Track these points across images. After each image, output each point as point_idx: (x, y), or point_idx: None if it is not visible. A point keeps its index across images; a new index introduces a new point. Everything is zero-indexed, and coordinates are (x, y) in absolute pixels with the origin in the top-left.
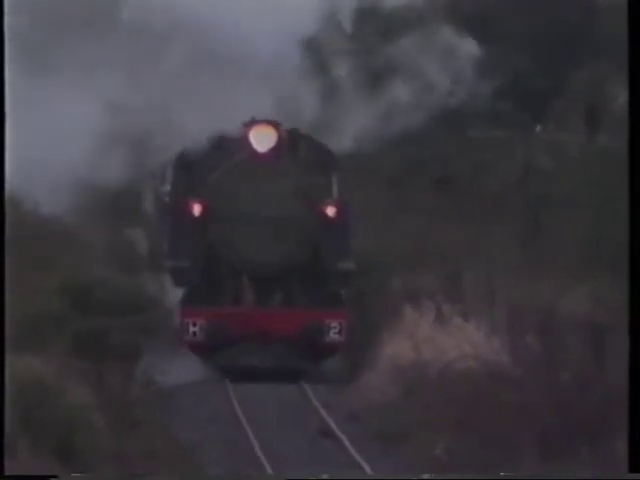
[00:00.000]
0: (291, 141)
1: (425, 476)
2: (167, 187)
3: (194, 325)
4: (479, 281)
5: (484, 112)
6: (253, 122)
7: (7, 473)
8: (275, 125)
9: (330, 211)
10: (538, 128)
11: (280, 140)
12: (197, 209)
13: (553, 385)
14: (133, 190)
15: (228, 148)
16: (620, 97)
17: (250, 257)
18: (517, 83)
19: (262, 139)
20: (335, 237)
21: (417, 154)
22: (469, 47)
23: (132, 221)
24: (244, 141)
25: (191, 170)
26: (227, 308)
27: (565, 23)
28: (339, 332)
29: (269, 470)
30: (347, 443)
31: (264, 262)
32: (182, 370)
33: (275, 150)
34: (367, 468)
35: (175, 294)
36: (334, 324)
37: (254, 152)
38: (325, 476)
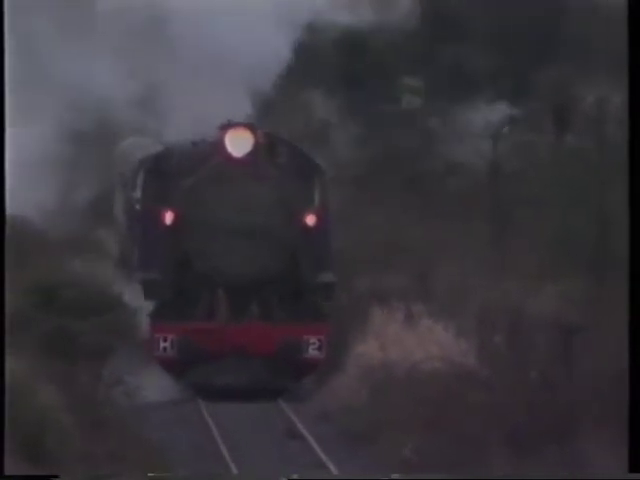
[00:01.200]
0: (269, 146)
1: (409, 476)
2: (138, 193)
3: (165, 340)
4: (448, 281)
5: (453, 112)
6: (229, 125)
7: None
8: (252, 128)
9: (310, 220)
10: (506, 128)
11: (257, 144)
12: (169, 217)
13: (521, 385)
14: (104, 190)
15: (203, 153)
16: (588, 97)
17: (225, 268)
18: (484, 83)
19: (238, 143)
20: (315, 247)
21: (385, 152)
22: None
23: (103, 221)
24: (219, 145)
25: (163, 175)
26: (200, 322)
27: (533, 23)
28: (319, 348)
29: (234, 470)
30: (314, 444)
31: (240, 274)
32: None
33: (252, 155)
34: (333, 469)
35: (146, 307)
36: (313, 340)
37: (230, 157)
38: (327, 476)
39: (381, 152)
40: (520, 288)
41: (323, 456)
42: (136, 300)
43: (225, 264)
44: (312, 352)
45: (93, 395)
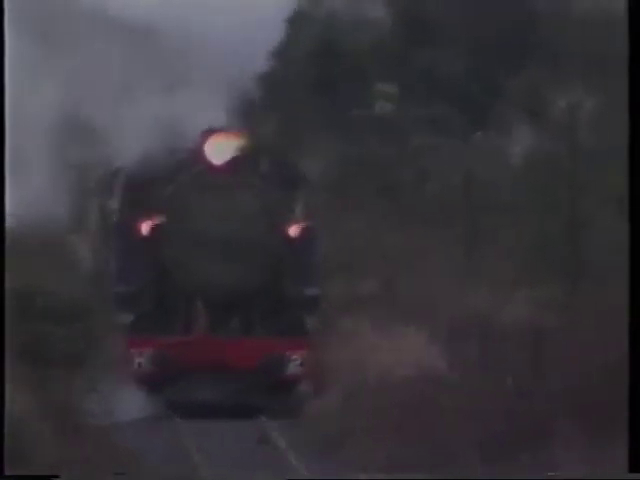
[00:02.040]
0: (252, 153)
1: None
2: (114, 202)
3: (140, 355)
4: (420, 287)
5: (425, 118)
6: (209, 131)
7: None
8: (235, 135)
9: (294, 231)
10: (478, 134)
11: (239, 152)
12: (146, 228)
13: (492, 390)
14: (77, 197)
15: (182, 160)
16: (560, 102)
17: (204, 280)
18: (457, 89)
19: (219, 150)
20: (299, 259)
21: (358, 160)
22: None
23: (75, 228)
24: (199, 152)
25: (140, 185)
26: (177, 337)
27: (505, 29)
28: (301, 364)
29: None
30: (286, 449)
31: (220, 286)
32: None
33: (233, 163)
34: (305, 473)
35: (121, 320)
36: (295, 356)
37: (210, 165)
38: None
39: (355, 158)
40: (492, 294)
41: (295, 462)
42: (111, 313)
43: (204, 276)
44: (294, 369)
45: (68, 401)
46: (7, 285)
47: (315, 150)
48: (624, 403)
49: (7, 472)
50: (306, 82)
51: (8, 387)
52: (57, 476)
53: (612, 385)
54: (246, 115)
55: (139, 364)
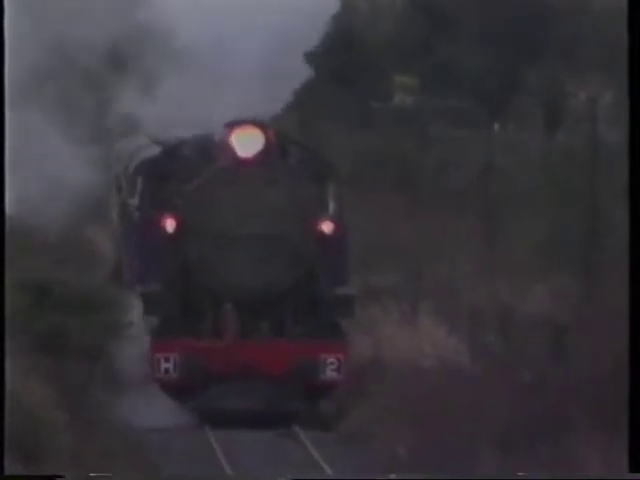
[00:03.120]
0: (281, 146)
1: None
2: (136, 198)
3: (167, 361)
4: (440, 279)
5: (444, 110)
6: (236, 123)
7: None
8: (262, 127)
9: (326, 227)
10: (496, 126)
11: (268, 144)
12: (171, 224)
13: (513, 383)
14: (97, 189)
15: (207, 154)
16: (578, 96)
17: (233, 281)
18: (476, 82)
19: (247, 143)
20: (332, 258)
21: (377, 151)
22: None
23: (94, 220)
24: (226, 145)
25: (164, 179)
26: (206, 341)
27: (524, 22)
28: (337, 369)
29: (228, 470)
30: (308, 443)
31: (249, 287)
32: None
33: (262, 156)
34: (327, 469)
35: (145, 323)
36: (331, 360)
37: (237, 158)
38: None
39: (374, 149)
40: (512, 286)
41: (316, 456)
42: (134, 315)
43: (233, 276)
44: (330, 373)
45: (86, 393)
46: (27, 276)
47: (335, 142)
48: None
49: (8, 468)
50: (326, 75)
51: (24, 379)
52: (57, 476)
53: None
54: (267, 108)
55: (166, 370)
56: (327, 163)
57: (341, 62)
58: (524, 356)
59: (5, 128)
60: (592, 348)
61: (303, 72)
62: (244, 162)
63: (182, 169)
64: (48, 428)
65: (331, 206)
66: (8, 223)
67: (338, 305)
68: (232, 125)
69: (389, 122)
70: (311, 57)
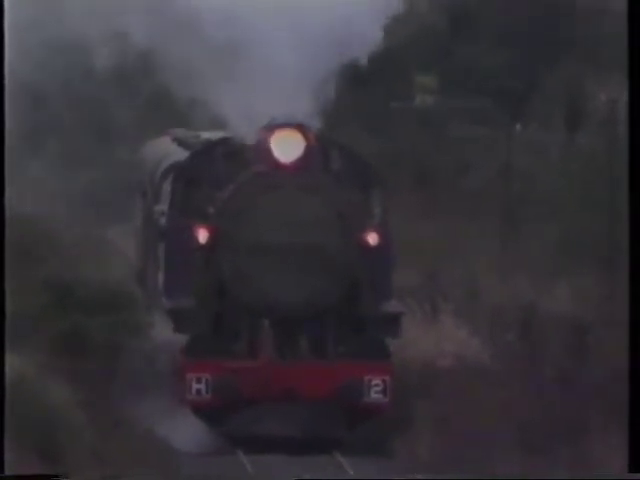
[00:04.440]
0: (322, 150)
1: (423, 476)
2: (164, 206)
3: (198, 382)
4: (461, 279)
5: (465, 110)
6: (275, 125)
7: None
8: (303, 130)
9: (372, 238)
10: (518, 127)
11: (309, 148)
12: (203, 235)
13: (535, 382)
14: (121, 189)
15: (243, 158)
16: (599, 97)
17: (270, 296)
18: (497, 82)
19: (286, 147)
20: (377, 271)
21: (396, 151)
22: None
23: (117, 221)
24: (264, 149)
25: (195, 184)
26: (240, 361)
27: (545, 22)
28: (383, 391)
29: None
30: (350, 471)
31: (288, 302)
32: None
33: (302, 161)
34: (350, 470)
35: (175, 341)
36: (376, 381)
37: (276, 163)
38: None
39: (393, 149)
40: (532, 286)
41: (340, 458)
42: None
43: (270, 291)
44: (374, 396)
45: (106, 393)
46: (48, 276)
47: (356, 143)
48: None
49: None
50: (345, 74)
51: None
52: (57, 476)
53: None
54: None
55: (198, 391)
56: (371, 168)
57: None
58: (546, 355)
59: (5, 128)
60: (614, 347)
61: (323, 72)
62: (283, 167)
63: (215, 174)
64: (68, 428)
65: (376, 214)
66: (28, 223)
67: (384, 323)
68: (271, 128)
69: (409, 122)
70: (329, 57)
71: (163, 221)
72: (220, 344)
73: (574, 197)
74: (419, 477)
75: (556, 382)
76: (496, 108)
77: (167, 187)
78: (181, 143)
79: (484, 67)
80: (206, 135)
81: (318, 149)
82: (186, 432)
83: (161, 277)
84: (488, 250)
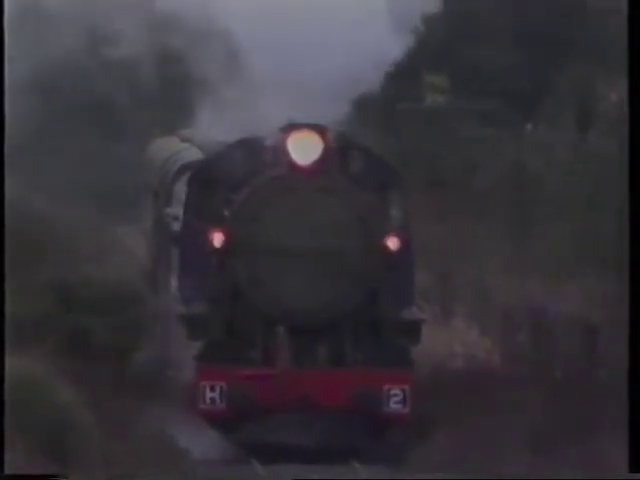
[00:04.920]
0: (341, 152)
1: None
2: (176, 209)
3: (212, 390)
4: (470, 280)
5: (475, 111)
6: (292, 126)
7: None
8: (321, 131)
9: (392, 243)
10: (529, 127)
11: (327, 150)
12: (218, 238)
13: (545, 383)
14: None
15: (260, 160)
16: (610, 97)
17: (287, 302)
18: (507, 82)
19: (304, 149)
20: (397, 276)
21: (406, 151)
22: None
23: (124, 220)
24: (280, 151)
25: (211, 187)
26: (256, 368)
27: (554, 22)
28: (402, 401)
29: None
30: None
31: (305, 308)
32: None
33: (320, 163)
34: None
35: (189, 348)
36: (396, 391)
37: (293, 165)
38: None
39: (402, 150)
40: (542, 286)
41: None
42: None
43: (287, 296)
44: (394, 406)
45: (113, 393)
46: (53, 277)
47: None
48: None
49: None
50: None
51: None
52: (57, 476)
53: None
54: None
55: (212, 400)
56: (392, 170)
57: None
58: (556, 355)
59: (5, 128)
60: (624, 349)
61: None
62: (300, 170)
63: (230, 176)
64: (76, 429)
65: (396, 217)
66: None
67: (404, 330)
68: (289, 129)
69: (419, 122)
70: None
71: (176, 224)
72: (235, 351)
73: (584, 197)
74: (419, 477)
75: (567, 382)
76: (506, 108)
77: (181, 189)
78: (193, 144)
79: (493, 67)
80: (219, 136)
81: (336, 150)
82: (199, 438)
83: (174, 281)
84: (499, 250)
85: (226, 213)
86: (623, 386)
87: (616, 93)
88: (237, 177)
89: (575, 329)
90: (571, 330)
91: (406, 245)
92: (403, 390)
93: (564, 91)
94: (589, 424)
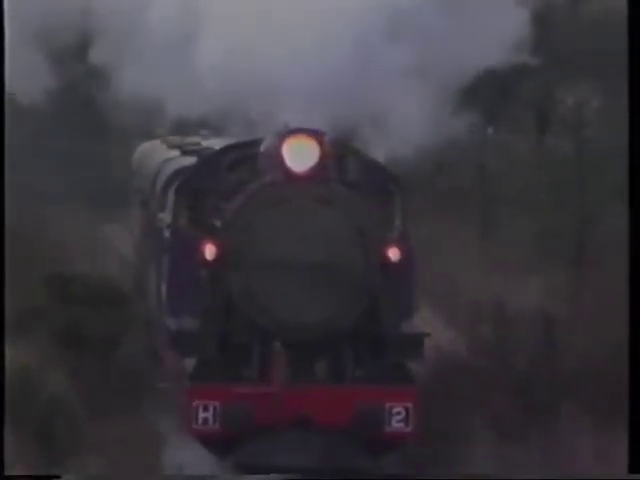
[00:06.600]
0: (339, 158)
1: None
2: (167, 217)
3: (205, 410)
4: (438, 275)
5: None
6: (287, 131)
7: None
8: (317, 136)
9: (393, 254)
10: (490, 130)
11: (324, 156)
12: (210, 250)
13: (507, 373)
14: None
15: (253, 167)
16: (567, 101)
17: (283, 316)
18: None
19: (300, 154)
20: (398, 288)
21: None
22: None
23: (113, 217)
24: (274, 157)
25: (201, 196)
26: (251, 386)
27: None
28: (404, 420)
29: None
30: None
31: (302, 323)
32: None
33: (316, 170)
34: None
35: (180, 366)
36: (398, 409)
37: (288, 173)
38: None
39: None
40: (505, 281)
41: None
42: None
43: (283, 311)
44: (396, 425)
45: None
46: (48, 271)
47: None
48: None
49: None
50: None
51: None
52: (57, 476)
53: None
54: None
55: (205, 420)
56: (392, 177)
57: None
58: (517, 347)
59: (5, 128)
60: (583, 342)
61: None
62: (296, 177)
63: (222, 184)
64: (67, 420)
65: (396, 227)
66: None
67: (406, 345)
68: (284, 134)
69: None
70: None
71: (166, 234)
72: (229, 368)
73: (544, 196)
74: (419, 477)
75: (528, 373)
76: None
77: (171, 196)
78: (184, 150)
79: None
80: (208, 142)
81: (334, 157)
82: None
83: (164, 294)
84: (465, 247)
85: (218, 223)
86: (584, 373)
87: (573, 97)
88: (229, 185)
89: (536, 321)
90: (532, 322)
91: (407, 255)
92: (406, 408)
93: (525, 96)
94: (549, 412)
